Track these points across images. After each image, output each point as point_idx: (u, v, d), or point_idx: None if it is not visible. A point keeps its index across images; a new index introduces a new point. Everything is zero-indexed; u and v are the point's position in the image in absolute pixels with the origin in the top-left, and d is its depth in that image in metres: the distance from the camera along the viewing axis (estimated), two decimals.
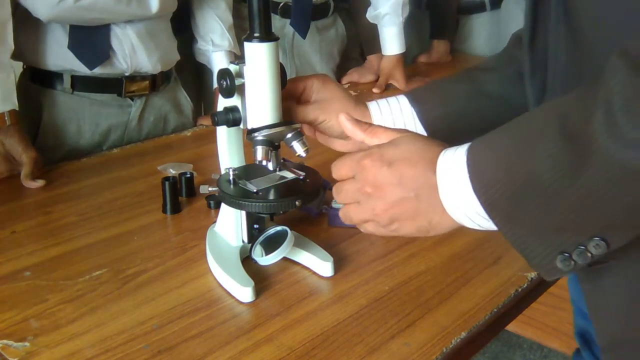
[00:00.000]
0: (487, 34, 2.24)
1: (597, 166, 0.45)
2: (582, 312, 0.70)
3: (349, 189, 0.63)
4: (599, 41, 0.54)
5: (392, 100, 0.85)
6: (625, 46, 0.46)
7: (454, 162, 0.56)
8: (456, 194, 0.55)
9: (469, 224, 0.57)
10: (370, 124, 0.66)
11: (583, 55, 0.56)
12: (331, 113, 0.82)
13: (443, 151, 0.58)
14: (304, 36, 1.82)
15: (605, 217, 0.47)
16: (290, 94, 0.85)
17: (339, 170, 0.64)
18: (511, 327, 1.99)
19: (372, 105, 0.85)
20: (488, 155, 0.53)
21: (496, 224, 0.53)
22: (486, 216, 0.53)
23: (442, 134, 0.84)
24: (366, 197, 0.61)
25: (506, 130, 0.54)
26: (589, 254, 0.49)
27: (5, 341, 0.74)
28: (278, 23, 1.77)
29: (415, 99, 0.84)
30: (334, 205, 1.01)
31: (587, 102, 0.46)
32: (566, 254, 0.50)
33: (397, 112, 0.84)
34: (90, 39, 1.28)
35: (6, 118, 1.15)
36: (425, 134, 0.84)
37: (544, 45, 0.60)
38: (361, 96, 1.79)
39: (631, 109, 0.43)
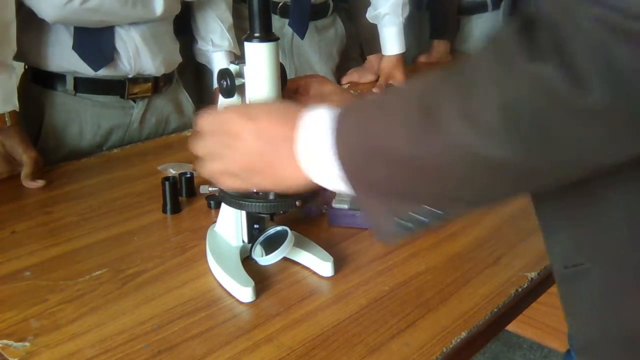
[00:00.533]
0: (488, 35, 2.23)
1: (444, 144, 0.47)
2: None
3: (208, 142, 0.65)
4: None
5: None
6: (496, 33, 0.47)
7: (318, 121, 0.57)
8: (315, 153, 0.57)
9: (322, 183, 0.59)
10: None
11: None
12: (331, 104, 0.83)
13: (306, 112, 0.59)
14: (302, 37, 1.82)
15: (442, 190, 0.51)
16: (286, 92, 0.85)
17: (202, 123, 0.66)
18: (511, 327, 2.00)
19: None
20: (352, 121, 0.55)
21: (348, 184, 0.56)
22: (344, 179, 0.56)
23: None
24: (224, 148, 0.63)
25: (374, 99, 0.57)
26: (424, 221, 0.53)
27: (5, 341, 0.74)
28: (277, 23, 1.77)
29: None
30: (334, 205, 1.01)
31: (448, 83, 0.48)
32: (402, 220, 0.54)
33: None
34: (95, 41, 1.28)
35: (7, 119, 1.15)
36: None
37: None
38: (361, 96, 1.79)
39: (484, 98, 0.44)
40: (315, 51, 1.88)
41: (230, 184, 0.65)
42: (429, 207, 0.53)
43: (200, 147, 0.66)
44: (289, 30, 1.81)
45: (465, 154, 0.46)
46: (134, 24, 1.31)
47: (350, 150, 0.54)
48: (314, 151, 0.57)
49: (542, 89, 0.42)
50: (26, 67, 1.36)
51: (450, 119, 0.46)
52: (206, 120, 0.66)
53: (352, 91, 1.83)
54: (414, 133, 0.49)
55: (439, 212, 0.53)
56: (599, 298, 0.55)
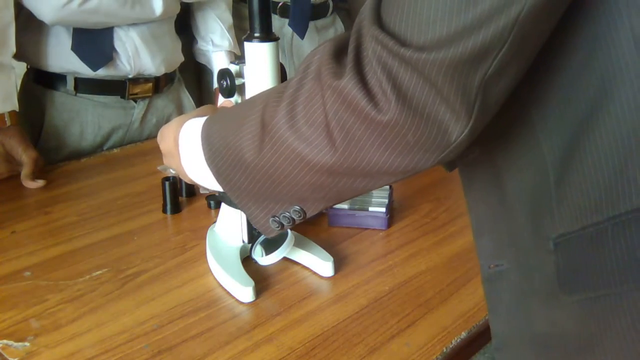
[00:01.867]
0: None
1: (278, 152, 0.54)
2: None
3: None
4: None
5: None
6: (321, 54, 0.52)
7: (190, 136, 0.66)
8: (194, 162, 0.66)
9: (206, 185, 0.67)
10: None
11: None
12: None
13: (182, 127, 0.69)
14: (302, 37, 1.82)
15: (293, 192, 0.57)
16: None
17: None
18: None
19: None
20: (216, 129, 0.61)
21: (224, 189, 0.62)
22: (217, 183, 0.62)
23: None
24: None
25: (234, 110, 0.63)
26: (293, 219, 0.60)
27: (5, 341, 0.74)
28: (277, 23, 1.77)
29: None
30: (334, 205, 1.01)
31: (282, 100, 0.54)
32: (276, 217, 0.61)
33: None
34: (94, 41, 1.28)
35: (6, 119, 1.15)
36: None
37: None
38: None
39: (306, 111, 0.51)
40: None
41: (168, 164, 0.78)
42: (295, 206, 0.59)
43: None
44: (288, 30, 1.80)
45: (298, 161, 0.53)
46: (133, 24, 1.31)
47: (214, 155, 0.61)
48: (195, 161, 0.65)
49: (346, 103, 0.48)
50: (28, 67, 1.36)
51: (280, 130, 0.53)
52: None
53: None
54: (256, 144, 0.55)
55: (299, 209, 0.59)
56: (513, 298, 0.57)
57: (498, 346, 0.62)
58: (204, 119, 0.65)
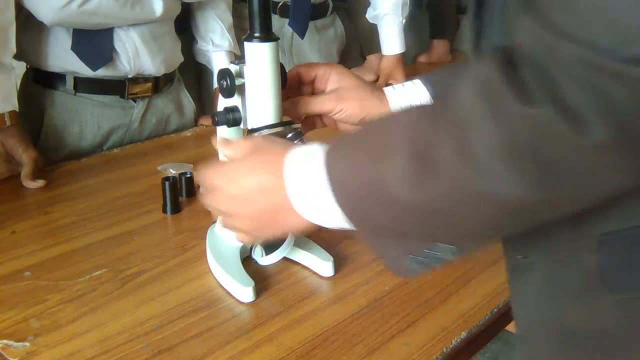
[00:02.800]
0: None
1: (446, 187, 0.46)
2: None
3: (211, 205, 0.67)
4: None
5: (407, 83, 0.84)
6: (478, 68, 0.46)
7: (304, 170, 0.57)
8: (310, 200, 0.56)
9: (327, 225, 0.58)
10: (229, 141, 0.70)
11: None
12: (349, 102, 0.81)
13: (288, 157, 0.59)
14: (302, 36, 1.82)
15: (451, 230, 0.50)
16: (302, 79, 0.84)
17: (201, 181, 0.69)
18: (511, 327, 1.99)
19: (388, 90, 0.84)
20: (343, 165, 0.54)
21: (356, 228, 0.55)
22: (344, 222, 0.55)
23: None
24: (227, 215, 0.66)
25: (361, 141, 0.55)
26: (439, 256, 0.53)
27: (5, 341, 0.74)
28: (277, 23, 1.77)
29: (431, 81, 0.83)
30: None
31: (439, 125, 0.47)
32: (416, 257, 0.53)
33: (414, 95, 0.83)
34: (93, 41, 1.28)
35: (6, 119, 1.15)
36: None
37: None
38: None
39: (482, 140, 0.44)
40: (314, 51, 1.88)
41: (246, 240, 0.68)
42: (442, 244, 0.52)
43: (204, 202, 0.68)
44: (288, 30, 1.80)
45: (469, 194, 0.46)
46: (133, 24, 1.31)
47: (347, 193, 0.53)
48: (310, 195, 0.56)
49: (541, 131, 0.41)
50: (28, 67, 1.36)
51: (448, 162, 0.45)
52: (203, 177, 0.68)
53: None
54: (412, 179, 0.48)
55: (453, 247, 0.52)
56: (541, 291, 0.57)
57: (521, 336, 0.60)
58: (310, 151, 0.57)
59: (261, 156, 0.63)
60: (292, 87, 0.85)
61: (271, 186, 0.59)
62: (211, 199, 0.66)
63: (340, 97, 0.82)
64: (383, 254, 0.56)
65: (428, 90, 0.83)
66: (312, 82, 0.84)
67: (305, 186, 0.56)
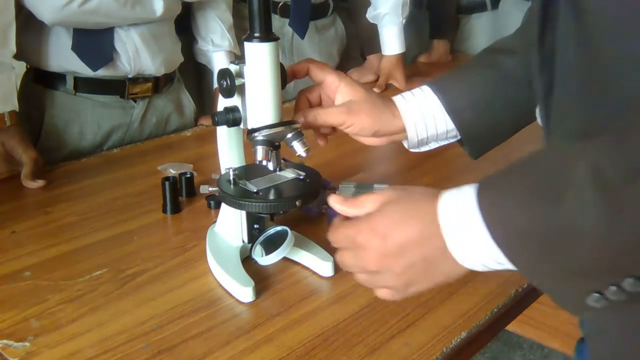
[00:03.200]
0: (488, 34, 2.23)
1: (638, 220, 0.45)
2: None
3: (353, 264, 0.61)
4: (608, 39, 0.53)
5: (416, 91, 0.84)
6: None
7: (461, 213, 0.54)
8: (470, 246, 0.53)
9: (484, 269, 0.55)
10: (356, 198, 0.63)
11: (591, 52, 0.55)
12: (360, 116, 0.81)
13: (440, 204, 0.55)
14: (302, 37, 1.82)
15: None
16: (311, 77, 0.84)
17: (335, 242, 0.63)
18: (511, 327, 2.00)
19: (399, 100, 0.84)
20: (506, 205, 0.51)
21: (521, 271, 0.52)
22: (508, 264, 0.52)
23: (470, 124, 0.83)
24: (374, 273, 0.59)
25: (522, 175, 0.52)
26: (625, 292, 0.49)
27: (5, 341, 0.74)
28: (277, 23, 1.77)
29: (441, 89, 0.83)
30: None
31: (625, 156, 0.45)
32: (599, 294, 0.49)
33: (424, 104, 0.83)
34: (94, 41, 1.28)
35: (6, 119, 1.15)
36: (452, 125, 0.83)
37: (552, 41, 0.59)
38: None
39: None
40: (315, 51, 1.88)
41: (390, 297, 0.62)
42: (632, 277, 0.48)
43: (348, 269, 0.62)
44: (289, 30, 1.80)
45: None
46: (133, 24, 1.31)
47: (515, 235, 0.50)
48: (473, 248, 0.53)
49: None
50: (28, 67, 1.36)
51: None
52: (339, 240, 0.62)
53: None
54: (601, 213, 0.45)
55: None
56: (629, 324, 0.55)
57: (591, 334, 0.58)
58: (463, 194, 0.54)
59: (407, 205, 0.58)
60: (297, 76, 0.84)
61: (428, 235, 0.55)
62: (355, 259, 0.60)
63: (351, 111, 0.81)
64: (555, 294, 0.53)
65: (438, 97, 0.83)
66: (320, 84, 0.84)
67: (463, 231, 0.53)
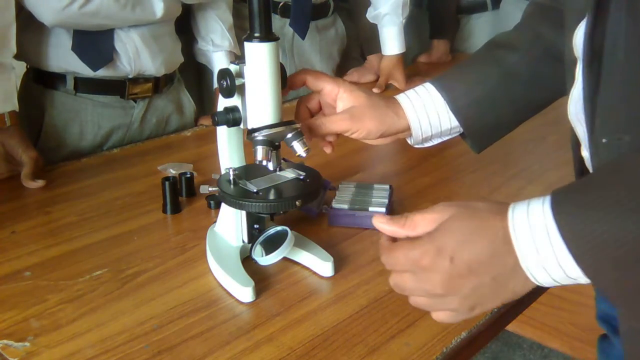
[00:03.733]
0: (488, 34, 2.23)
1: None
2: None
3: (414, 288, 0.57)
4: None
5: (420, 89, 0.85)
6: None
7: (536, 228, 0.52)
8: (546, 261, 0.51)
9: (552, 285, 0.53)
10: (405, 217, 0.59)
11: None
12: (364, 121, 0.81)
13: (510, 219, 0.53)
14: (303, 37, 1.82)
15: None
16: (308, 86, 0.84)
17: (392, 265, 0.59)
18: (511, 327, 1.99)
19: (403, 99, 0.84)
20: (587, 217, 0.49)
21: (597, 285, 0.51)
22: (582, 278, 0.51)
23: (473, 120, 0.84)
24: (439, 297, 0.56)
25: (602, 187, 0.51)
26: None
27: (5, 341, 0.74)
28: (278, 23, 1.77)
29: (444, 87, 0.84)
30: (334, 205, 1.01)
31: None
32: None
33: (428, 102, 0.84)
34: (94, 42, 1.28)
35: (6, 119, 1.15)
36: (456, 122, 0.84)
37: (601, 42, 0.59)
38: None
39: None
40: (315, 51, 1.88)
41: (452, 320, 0.59)
42: None
43: (407, 291, 0.59)
44: (289, 30, 1.81)
45: None
46: (134, 25, 1.31)
47: (596, 248, 0.48)
48: (550, 266, 0.51)
49: None
50: (28, 67, 1.36)
51: None
52: (397, 263, 0.58)
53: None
54: None
55: None
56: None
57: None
58: (532, 207, 0.52)
59: (474, 222, 0.55)
60: (293, 87, 0.84)
61: (499, 253, 0.53)
62: (418, 282, 0.56)
63: (354, 117, 0.81)
64: (633, 309, 0.51)
65: (442, 95, 0.83)
66: (319, 92, 0.84)
67: (539, 246, 0.51)
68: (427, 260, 0.55)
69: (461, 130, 0.86)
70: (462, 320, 0.58)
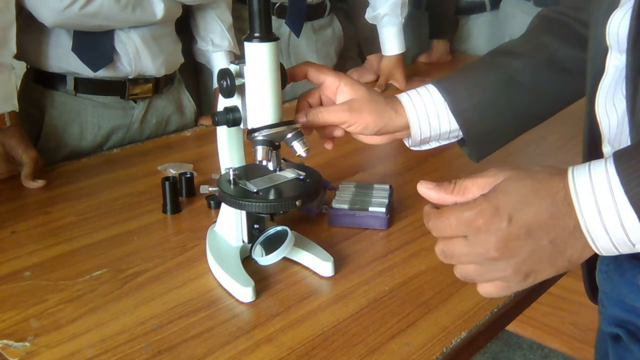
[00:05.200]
0: (487, 34, 2.24)
1: None
2: (625, 303, 0.69)
3: (465, 253, 0.54)
4: None
5: (421, 90, 0.84)
6: None
7: (599, 188, 0.50)
8: (608, 222, 0.49)
9: (611, 253, 0.51)
10: (454, 183, 0.57)
11: None
12: (363, 114, 0.81)
13: (571, 180, 0.51)
14: (298, 35, 1.82)
15: None
16: (310, 80, 0.84)
17: (441, 230, 0.55)
18: (511, 327, 1.99)
19: (404, 98, 0.84)
20: None
21: None
22: None
23: (474, 124, 0.84)
24: (492, 261, 0.53)
25: None
26: None
27: (5, 341, 0.74)
28: (274, 24, 1.77)
29: (446, 89, 0.84)
30: (334, 205, 1.01)
31: None
32: None
33: (429, 103, 0.83)
34: (94, 42, 1.28)
35: (6, 119, 1.15)
36: (456, 125, 0.83)
37: None
38: None
39: None
40: (312, 51, 1.88)
41: (501, 292, 0.56)
42: None
43: (455, 258, 0.56)
44: (285, 30, 1.80)
45: None
46: (134, 26, 1.31)
47: None
48: (607, 218, 0.49)
49: None
50: (28, 67, 1.36)
51: None
52: (447, 227, 0.55)
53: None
54: None
55: None
56: None
57: None
58: (595, 167, 0.50)
59: (532, 182, 0.52)
60: (295, 79, 0.84)
61: (559, 214, 0.50)
62: (471, 246, 0.53)
63: (353, 109, 0.81)
64: None
65: (444, 97, 0.83)
66: (319, 86, 0.84)
67: (602, 206, 0.49)
68: (483, 220, 0.52)
69: (460, 135, 0.85)
70: (511, 293, 0.55)
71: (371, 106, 0.82)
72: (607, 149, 0.66)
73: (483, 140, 0.86)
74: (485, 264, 0.54)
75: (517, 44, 0.88)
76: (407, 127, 0.84)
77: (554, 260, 0.52)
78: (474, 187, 0.55)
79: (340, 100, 0.83)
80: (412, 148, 0.87)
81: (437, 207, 0.56)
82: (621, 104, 0.62)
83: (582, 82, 0.78)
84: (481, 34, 2.26)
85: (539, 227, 0.51)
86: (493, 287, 0.55)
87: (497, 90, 0.84)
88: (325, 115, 0.82)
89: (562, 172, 0.52)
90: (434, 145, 0.88)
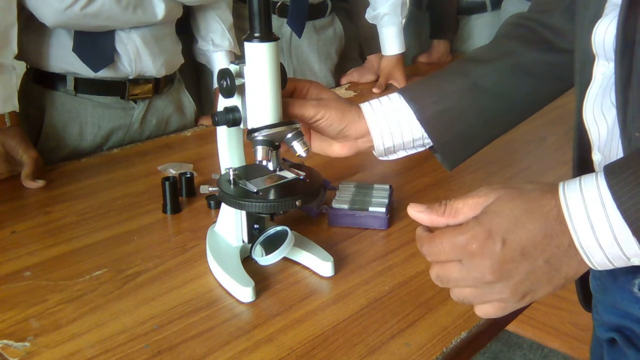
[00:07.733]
0: (487, 35, 2.24)
1: None
2: (619, 309, 0.69)
3: (461, 277, 0.54)
4: None
5: (384, 99, 0.85)
6: None
7: (591, 204, 0.49)
8: (602, 238, 0.49)
9: (606, 267, 0.51)
10: (444, 204, 0.56)
11: None
12: (330, 110, 0.82)
13: (562, 197, 0.51)
14: (299, 35, 1.82)
15: None
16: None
17: (436, 255, 0.55)
18: (511, 327, 1.99)
19: (365, 106, 0.85)
20: None
21: None
22: (637, 257, 0.49)
23: (441, 131, 0.84)
24: (488, 284, 0.53)
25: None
26: None
27: (5, 341, 0.74)
28: (275, 23, 1.77)
29: (411, 97, 0.84)
30: (334, 205, 1.01)
31: None
32: None
33: (390, 111, 0.84)
34: (95, 43, 1.28)
35: (6, 119, 1.15)
36: (420, 133, 0.84)
37: (634, 32, 0.57)
38: (361, 96, 1.79)
39: None
40: (313, 51, 1.88)
41: (499, 313, 0.55)
42: None
43: (451, 282, 0.55)
44: (287, 30, 1.81)
45: None
46: (135, 26, 1.31)
47: None
48: (600, 234, 0.49)
49: None
50: (28, 67, 1.36)
51: None
52: (441, 252, 0.54)
53: (352, 91, 1.83)
54: None
55: None
56: None
57: None
58: (586, 183, 0.50)
59: (523, 202, 0.52)
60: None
61: (553, 233, 0.50)
62: (466, 271, 0.53)
63: (321, 104, 0.83)
64: None
65: (409, 105, 0.83)
66: (291, 94, 0.85)
67: (595, 223, 0.49)
68: (477, 244, 0.51)
69: (428, 143, 0.85)
70: (509, 312, 0.55)
71: (337, 104, 0.83)
72: (596, 157, 0.66)
73: (453, 147, 0.85)
74: (482, 287, 0.53)
75: (483, 51, 0.89)
76: (368, 134, 0.84)
77: (551, 279, 0.52)
78: (465, 208, 0.55)
79: (310, 96, 0.85)
80: (380, 158, 0.87)
81: (429, 229, 0.56)
82: (610, 112, 0.62)
83: (551, 86, 0.78)
84: (482, 34, 2.26)
85: (534, 248, 0.51)
86: (491, 309, 0.55)
87: (461, 96, 0.84)
88: (293, 109, 0.82)
89: (553, 188, 0.51)
90: (401, 154, 0.87)
